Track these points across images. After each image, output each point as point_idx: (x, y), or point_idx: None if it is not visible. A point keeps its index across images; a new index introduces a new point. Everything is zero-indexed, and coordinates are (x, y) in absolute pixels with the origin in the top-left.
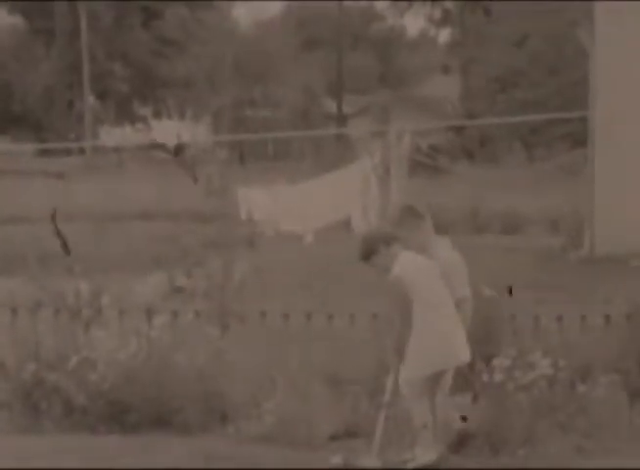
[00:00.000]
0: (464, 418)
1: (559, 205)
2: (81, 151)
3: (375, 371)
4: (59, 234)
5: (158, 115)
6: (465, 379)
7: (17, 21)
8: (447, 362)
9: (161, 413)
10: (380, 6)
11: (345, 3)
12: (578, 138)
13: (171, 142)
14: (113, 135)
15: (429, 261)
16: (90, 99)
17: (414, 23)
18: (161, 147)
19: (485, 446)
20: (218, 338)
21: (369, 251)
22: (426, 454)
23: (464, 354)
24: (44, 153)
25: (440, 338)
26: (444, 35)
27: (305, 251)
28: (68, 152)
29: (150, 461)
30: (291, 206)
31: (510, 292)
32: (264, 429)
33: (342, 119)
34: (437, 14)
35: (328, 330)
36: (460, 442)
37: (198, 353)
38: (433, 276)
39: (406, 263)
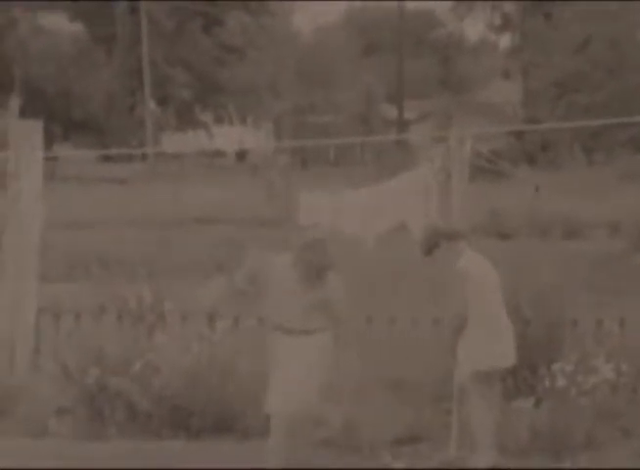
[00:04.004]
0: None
1: (620, 208)
2: (144, 157)
3: (437, 375)
4: None
5: (219, 120)
6: (527, 384)
7: (78, 28)
8: (496, 362)
9: (223, 418)
10: (440, 11)
11: (406, 8)
12: (639, 143)
13: (233, 148)
14: (175, 141)
15: (490, 265)
16: (151, 105)
17: (474, 28)
18: (224, 153)
19: (548, 450)
20: None
21: (431, 244)
22: (485, 457)
23: (512, 357)
24: (106, 159)
25: (493, 337)
26: (504, 40)
27: (366, 255)
28: (130, 158)
29: (211, 466)
30: (352, 211)
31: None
32: (328, 434)
33: (403, 125)
34: (497, 19)
35: (390, 334)
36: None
37: (260, 358)
38: (492, 278)
39: (471, 260)
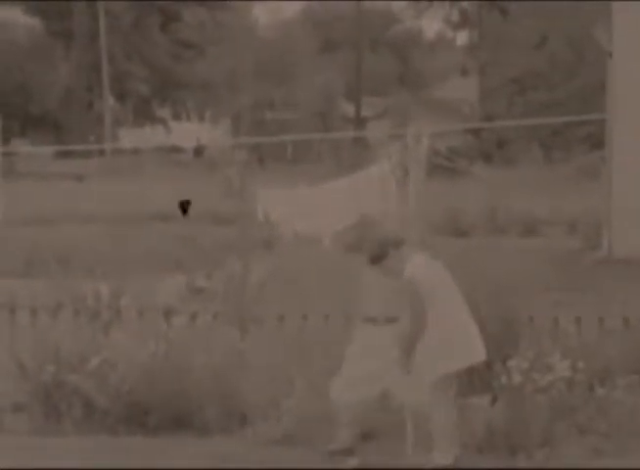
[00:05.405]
0: None
1: (577, 207)
2: (101, 153)
3: None
4: None
5: (177, 116)
6: (483, 381)
7: (34, 22)
8: (465, 360)
9: (181, 414)
10: (397, 8)
11: (364, 5)
12: (596, 140)
13: (190, 144)
14: (132, 137)
15: (439, 263)
16: (109, 100)
17: (432, 25)
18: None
19: (504, 447)
20: (237, 339)
21: (379, 255)
22: (443, 456)
23: (481, 352)
24: (63, 155)
25: (457, 336)
26: (462, 37)
27: (323, 253)
28: (87, 154)
29: (168, 463)
30: (309, 208)
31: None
32: (283, 430)
33: (360, 122)
34: (455, 16)
35: (346, 332)
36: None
37: (216, 355)
38: (444, 277)
39: (418, 265)
